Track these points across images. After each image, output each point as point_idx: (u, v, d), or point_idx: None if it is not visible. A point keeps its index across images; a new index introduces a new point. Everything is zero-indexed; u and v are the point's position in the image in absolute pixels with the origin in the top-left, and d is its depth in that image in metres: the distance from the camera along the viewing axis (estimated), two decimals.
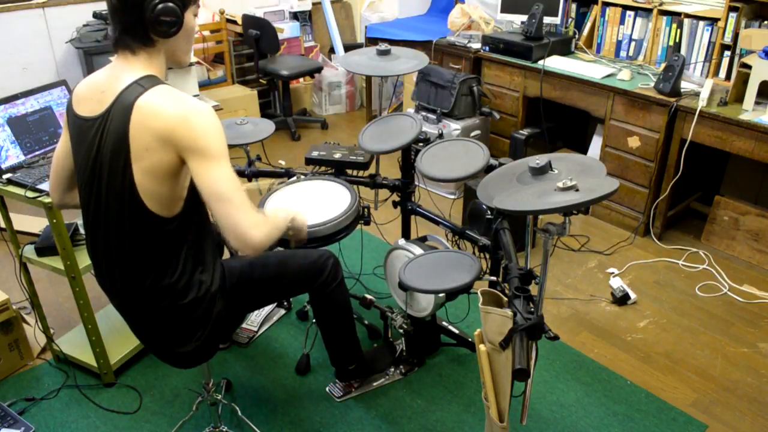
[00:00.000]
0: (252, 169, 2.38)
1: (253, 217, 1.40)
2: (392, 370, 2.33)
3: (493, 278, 1.88)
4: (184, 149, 1.36)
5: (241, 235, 1.38)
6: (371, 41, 4.46)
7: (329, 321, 2.02)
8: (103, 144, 1.40)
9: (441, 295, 2.03)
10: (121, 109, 1.37)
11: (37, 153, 2.13)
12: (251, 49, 4.52)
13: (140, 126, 1.35)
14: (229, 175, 1.38)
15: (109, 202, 1.45)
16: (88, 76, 1.51)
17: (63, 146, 1.58)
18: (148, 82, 1.39)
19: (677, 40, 3.21)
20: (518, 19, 3.74)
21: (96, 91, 1.44)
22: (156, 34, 1.39)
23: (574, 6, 3.64)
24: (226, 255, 1.96)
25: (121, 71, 1.41)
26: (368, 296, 2.37)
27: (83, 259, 2.08)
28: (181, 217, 1.48)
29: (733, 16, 2.87)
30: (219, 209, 1.37)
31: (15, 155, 2.07)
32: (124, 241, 1.47)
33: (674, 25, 3.20)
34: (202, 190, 1.37)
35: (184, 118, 1.35)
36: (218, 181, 1.36)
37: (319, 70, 4.53)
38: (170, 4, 1.37)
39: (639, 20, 3.35)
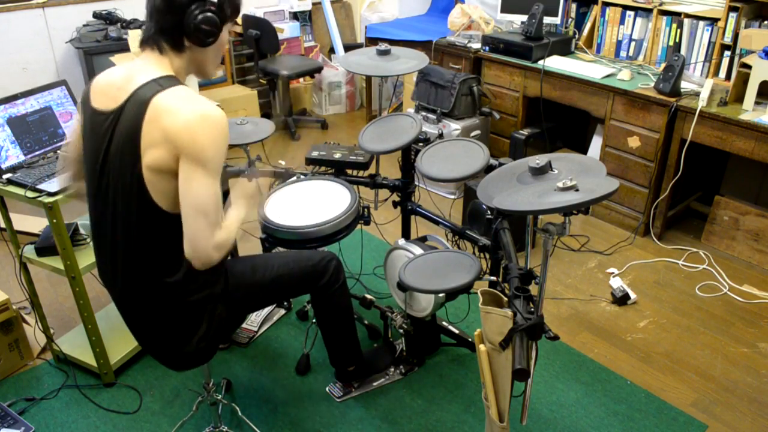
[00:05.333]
0: (252, 169, 2.38)
1: (220, 239, 1.42)
2: (392, 370, 2.33)
3: (493, 278, 1.88)
4: (182, 152, 1.36)
5: (201, 251, 1.40)
6: (371, 41, 4.46)
7: (330, 322, 2.02)
8: (114, 138, 1.41)
9: (441, 295, 2.04)
10: (136, 104, 1.38)
11: (37, 153, 2.13)
12: (251, 49, 4.52)
13: (152, 122, 1.36)
14: (214, 190, 1.39)
15: (116, 196, 1.45)
16: (108, 69, 1.52)
17: (77, 133, 1.59)
18: (167, 82, 1.40)
19: (677, 40, 3.21)
20: (518, 19, 3.74)
21: (112, 87, 1.45)
22: (192, 40, 1.41)
23: (574, 6, 3.64)
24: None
25: (140, 69, 1.43)
26: (368, 296, 2.37)
27: (83, 259, 2.08)
28: None
29: (733, 16, 2.87)
30: (192, 220, 1.38)
31: (15, 155, 2.07)
32: (130, 236, 1.48)
33: (674, 25, 3.20)
34: (184, 195, 1.38)
35: (193, 123, 1.35)
36: (202, 194, 1.37)
37: (319, 70, 4.53)
38: (213, 15, 1.39)
39: (639, 20, 3.35)
